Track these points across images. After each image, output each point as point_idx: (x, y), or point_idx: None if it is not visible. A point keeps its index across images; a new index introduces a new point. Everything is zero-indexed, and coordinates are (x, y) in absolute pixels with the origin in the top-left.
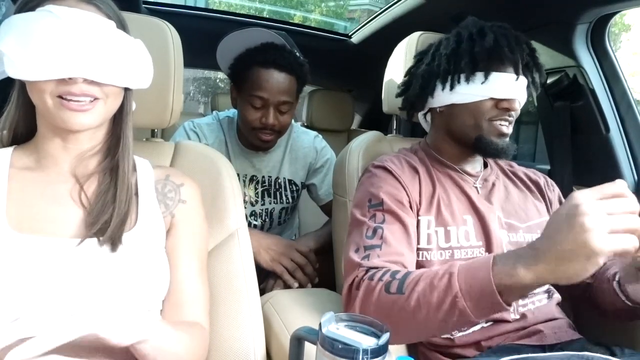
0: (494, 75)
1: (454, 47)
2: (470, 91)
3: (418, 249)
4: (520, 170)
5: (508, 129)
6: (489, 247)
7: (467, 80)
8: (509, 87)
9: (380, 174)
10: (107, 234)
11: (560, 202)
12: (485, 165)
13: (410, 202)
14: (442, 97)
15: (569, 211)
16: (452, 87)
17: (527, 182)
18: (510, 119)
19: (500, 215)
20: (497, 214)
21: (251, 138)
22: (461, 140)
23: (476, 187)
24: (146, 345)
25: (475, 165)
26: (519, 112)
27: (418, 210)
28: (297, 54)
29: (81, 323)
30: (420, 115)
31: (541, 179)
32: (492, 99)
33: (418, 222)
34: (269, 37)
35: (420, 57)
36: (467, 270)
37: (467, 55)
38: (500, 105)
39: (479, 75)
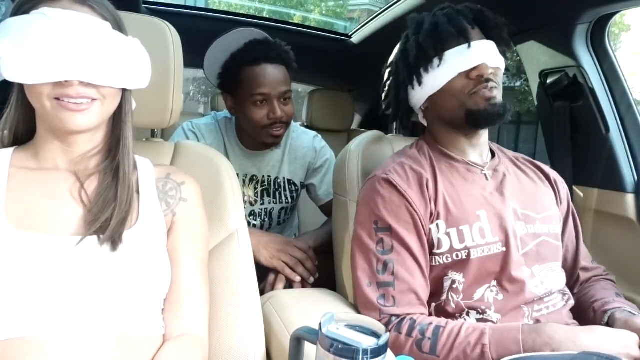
0: (448, 54)
1: (403, 49)
2: (436, 77)
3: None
4: (529, 161)
5: (492, 92)
6: (507, 242)
7: (426, 69)
8: (468, 56)
9: (385, 192)
10: (108, 232)
11: (569, 202)
12: (493, 155)
13: (420, 219)
14: (418, 95)
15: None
16: (419, 83)
17: (538, 173)
18: (490, 84)
19: (517, 207)
20: (512, 206)
21: (262, 137)
22: (455, 123)
23: (485, 175)
24: None
25: (482, 152)
26: (500, 75)
27: (429, 219)
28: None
29: None
30: (419, 117)
31: (553, 174)
32: (460, 74)
33: (429, 230)
34: (249, 35)
35: (390, 68)
36: (499, 342)
37: (414, 49)
38: (472, 75)
39: (435, 60)
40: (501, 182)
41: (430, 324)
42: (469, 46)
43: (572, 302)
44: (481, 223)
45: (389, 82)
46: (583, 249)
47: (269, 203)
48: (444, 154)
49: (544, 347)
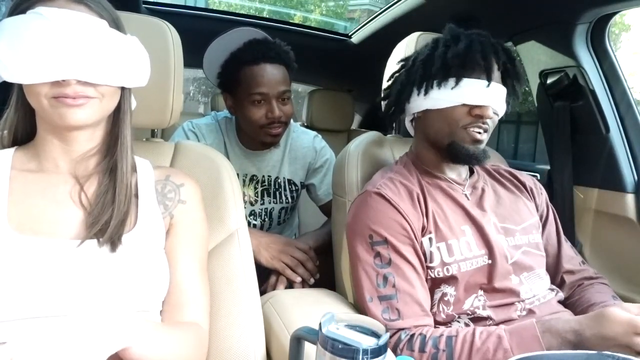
0: (466, 81)
1: (429, 53)
2: (443, 96)
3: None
4: (507, 171)
5: (482, 136)
6: (491, 255)
7: (439, 85)
8: (480, 93)
9: (378, 205)
10: (107, 234)
11: (547, 205)
12: (472, 172)
13: (413, 231)
14: (418, 102)
15: (623, 328)
16: (426, 92)
17: (516, 182)
18: (484, 126)
19: (495, 221)
20: (492, 220)
21: (261, 137)
22: (435, 146)
23: (465, 194)
24: (132, 350)
25: (460, 172)
26: (495, 120)
27: (421, 232)
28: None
29: (60, 332)
30: (406, 121)
31: (529, 181)
32: (464, 105)
33: (421, 243)
34: (249, 34)
35: (403, 62)
36: (519, 345)
37: (439, 61)
38: (473, 112)
39: (451, 81)
40: (480, 197)
41: (442, 335)
42: (488, 85)
43: (561, 295)
44: (466, 237)
45: (397, 75)
46: (567, 252)
47: (269, 203)
48: (427, 171)
49: (564, 341)
